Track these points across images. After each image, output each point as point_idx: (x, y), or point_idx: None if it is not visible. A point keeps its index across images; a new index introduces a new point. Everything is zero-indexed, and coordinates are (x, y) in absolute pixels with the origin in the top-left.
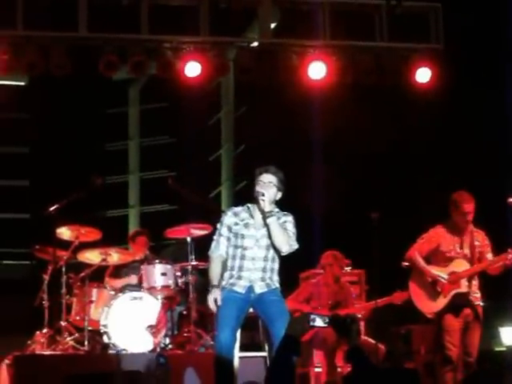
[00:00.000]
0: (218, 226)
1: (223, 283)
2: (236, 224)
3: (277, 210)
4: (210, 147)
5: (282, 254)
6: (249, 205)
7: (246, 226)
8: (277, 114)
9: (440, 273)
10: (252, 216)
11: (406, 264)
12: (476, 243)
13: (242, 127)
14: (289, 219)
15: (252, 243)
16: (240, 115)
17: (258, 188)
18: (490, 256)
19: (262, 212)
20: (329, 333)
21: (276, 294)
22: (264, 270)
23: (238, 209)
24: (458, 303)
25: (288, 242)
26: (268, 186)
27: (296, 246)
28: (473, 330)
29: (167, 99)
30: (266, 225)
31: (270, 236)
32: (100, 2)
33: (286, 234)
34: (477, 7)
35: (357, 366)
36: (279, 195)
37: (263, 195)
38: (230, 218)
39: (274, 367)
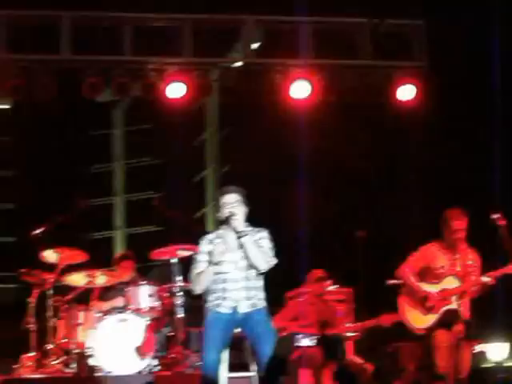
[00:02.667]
0: (196, 255)
1: (208, 305)
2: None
3: (250, 228)
4: (195, 168)
5: (261, 272)
6: (219, 231)
7: (222, 252)
8: (262, 133)
9: (431, 289)
10: (225, 241)
11: (392, 282)
12: (469, 262)
13: (227, 148)
14: (263, 235)
15: (231, 267)
16: (225, 135)
17: (226, 210)
18: (480, 275)
19: (237, 232)
20: (316, 352)
21: (262, 313)
22: (248, 288)
23: (211, 236)
24: (449, 320)
25: (265, 260)
26: (236, 206)
27: (274, 261)
28: (464, 347)
29: (151, 120)
30: (241, 245)
31: (246, 256)
32: (83, 24)
33: (261, 252)
34: (460, 23)
35: None
36: (247, 210)
37: (234, 215)
38: (207, 245)
39: None
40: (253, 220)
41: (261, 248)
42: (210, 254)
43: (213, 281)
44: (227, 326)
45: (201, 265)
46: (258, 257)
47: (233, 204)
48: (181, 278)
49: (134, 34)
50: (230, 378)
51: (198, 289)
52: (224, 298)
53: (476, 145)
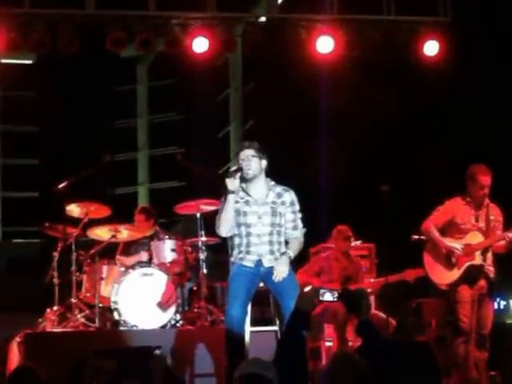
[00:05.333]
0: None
1: (232, 259)
2: (237, 202)
3: (273, 184)
4: (218, 123)
5: None
6: (242, 185)
7: (247, 203)
8: (285, 89)
9: (455, 244)
10: (249, 194)
11: (416, 237)
12: (491, 217)
13: (251, 103)
14: (290, 199)
15: (255, 220)
16: (248, 91)
17: (241, 166)
18: (499, 232)
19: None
20: (339, 307)
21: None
22: (271, 243)
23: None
24: (472, 275)
25: (301, 244)
26: (248, 160)
27: (303, 231)
28: (487, 303)
29: (175, 76)
30: (268, 203)
31: (273, 214)
32: None
33: (298, 241)
34: None
35: (367, 340)
36: (264, 163)
37: (249, 169)
38: (233, 182)
39: (284, 342)
40: (277, 175)
41: (288, 227)
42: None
43: (237, 234)
44: (251, 279)
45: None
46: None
47: (245, 159)
48: (204, 232)
49: None
50: (254, 332)
51: (221, 228)
52: (248, 252)
53: (501, 102)
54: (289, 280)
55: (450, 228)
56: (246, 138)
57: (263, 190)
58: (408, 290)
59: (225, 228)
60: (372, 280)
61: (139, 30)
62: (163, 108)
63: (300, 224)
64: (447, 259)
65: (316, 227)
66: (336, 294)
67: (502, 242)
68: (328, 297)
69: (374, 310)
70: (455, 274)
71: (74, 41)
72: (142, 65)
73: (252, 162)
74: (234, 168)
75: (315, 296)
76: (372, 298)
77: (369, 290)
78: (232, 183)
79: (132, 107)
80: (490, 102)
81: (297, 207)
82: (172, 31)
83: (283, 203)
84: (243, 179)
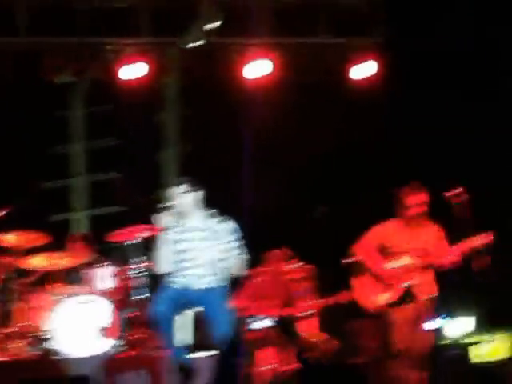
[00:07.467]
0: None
1: (164, 282)
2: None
3: (212, 213)
4: (155, 148)
5: None
6: (176, 219)
7: (181, 231)
8: (221, 113)
9: (388, 266)
10: (184, 224)
11: (347, 260)
12: (426, 237)
13: (187, 128)
14: (228, 228)
15: (189, 245)
16: (185, 116)
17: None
18: (439, 249)
19: None
20: (272, 333)
21: (218, 293)
22: (204, 267)
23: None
24: (407, 296)
25: (242, 267)
26: (180, 197)
27: (244, 256)
28: (421, 324)
29: (111, 101)
30: (204, 230)
31: (208, 238)
32: (38, 6)
33: (238, 263)
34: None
35: (304, 364)
36: (198, 195)
37: (181, 206)
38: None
39: (218, 370)
40: (214, 200)
41: (232, 253)
42: (168, 228)
43: (174, 262)
44: (178, 297)
45: (161, 242)
46: (235, 271)
47: (179, 196)
48: (142, 258)
49: (92, 15)
50: (194, 359)
51: (159, 266)
52: (180, 276)
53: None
54: (221, 306)
55: (384, 250)
56: (182, 162)
57: (200, 219)
58: (348, 311)
59: (162, 265)
60: (311, 302)
61: (72, 56)
62: (100, 133)
63: (241, 251)
64: (379, 282)
65: (252, 252)
66: (267, 321)
67: (452, 257)
68: (258, 325)
69: (313, 332)
70: (389, 295)
71: (7, 68)
72: (78, 90)
73: (185, 198)
74: (167, 204)
75: (245, 323)
76: (314, 320)
77: (310, 312)
78: (164, 219)
79: (68, 133)
80: (420, 123)
81: (237, 235)
82: (106, 57)
83: (223, 230)
84: (178, 213)
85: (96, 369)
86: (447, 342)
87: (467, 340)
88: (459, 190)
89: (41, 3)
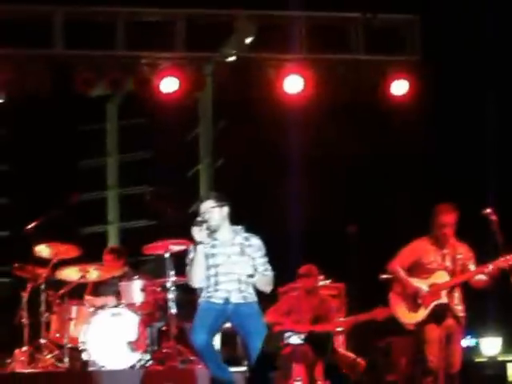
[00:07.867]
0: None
1: (201, 299)
2: (204, 248)
3: (240, 229)
4: (188, 162)
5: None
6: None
7: (214, 246)
8: (255, 127)
9: (421, 284)
10: (216, 238)
11: (384, 276)
12: (458, 256)
13: (221, 142)
14: (255, 244)
15: (224, 259)
16: (219, 130)
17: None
18: (472, 268)
19: None
20: (306, 348)
21: (253, 308)
22: (239, 281)
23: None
24: (439, 314)
25: (269, 283)
26: (209, 212)
27: (271, 272)
28: (455, 341)
29: (145, 115)
30: (236, 244)
31: (241, 253)
32: (76, 19)
33: (265, 279)
34: (456, 18)
35: (334, 382)
36: (226, 210)
37: (211, 221)
38: (199, 232)
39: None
40: (245, 215)
41: (259, 270)
42: (201, 242)
43: (206, 277)
44: (218, 314)
45: (195, 256)
46: (262, 287)
47: (207, 211)
48: (174, 272)
49: (127, 29)
50: None
51: (193, 280)
52: (216, 290)
53: (470, 140)
54: (256, 321)
55: (417, 268)
56: (215, 177)
57: (230, 234)
58: (378, 328)
59: (196, 279)
60: (342, 319)
61: (108, 69)
62: (133, 147)
63: (269, 267)
64: (414, 299)
65: (285, 267)
66: (302, 337)
67: (481, 277)
68: (294, 340)
69: (342, 350)
70: (422, 313)
71: (43, 81)
72: (112, 103)
73: (212, 213)
74: (199, 219)
75: (281, 339)
76: (342, 338)
77: (339, 330)
78: (199, 234)
79: (102, 146)
80: (458, 141)
81: (264, 251)
82: (141, 71)
83: (250, 246)
84: (209, 229)
85: (131, 381)
86: (484, 359)
87: (505, 357)
88: (491, 208)
89: (77, 16)
